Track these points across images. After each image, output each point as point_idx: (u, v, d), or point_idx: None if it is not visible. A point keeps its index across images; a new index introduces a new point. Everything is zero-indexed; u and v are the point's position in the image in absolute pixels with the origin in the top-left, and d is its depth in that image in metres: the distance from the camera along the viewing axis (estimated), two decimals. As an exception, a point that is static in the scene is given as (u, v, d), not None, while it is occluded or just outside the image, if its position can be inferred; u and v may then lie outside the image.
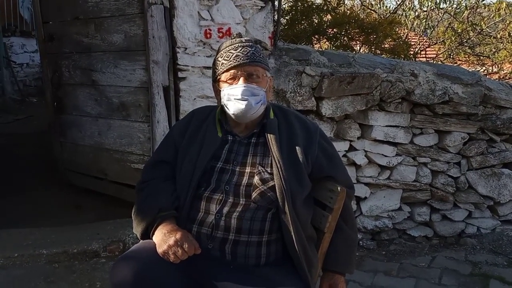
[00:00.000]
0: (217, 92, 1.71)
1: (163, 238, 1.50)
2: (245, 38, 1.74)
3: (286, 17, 5.25)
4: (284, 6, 5.37)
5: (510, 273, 2.90)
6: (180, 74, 2.83)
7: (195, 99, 2.87)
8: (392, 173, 3.32)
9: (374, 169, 3.30)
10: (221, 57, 1.67)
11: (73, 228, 2.92)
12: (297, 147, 1.64)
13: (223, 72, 1.65)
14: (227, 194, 1.58)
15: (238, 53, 1.64)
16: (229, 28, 2.82)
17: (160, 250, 1.48)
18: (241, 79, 1.63)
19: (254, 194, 1.57)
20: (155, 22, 2.73)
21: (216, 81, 1.71)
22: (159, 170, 1.73)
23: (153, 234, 1.56)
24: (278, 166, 1.57)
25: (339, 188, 1.66)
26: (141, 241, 1.62)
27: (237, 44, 1.67)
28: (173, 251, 1.46)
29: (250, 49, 1.66)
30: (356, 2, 7.00)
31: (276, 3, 3.04)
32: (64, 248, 2.66)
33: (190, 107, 2.83)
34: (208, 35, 2.80)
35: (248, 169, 1.61)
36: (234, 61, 1.63)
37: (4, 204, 3.35)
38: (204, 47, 2.83)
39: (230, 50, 1.66)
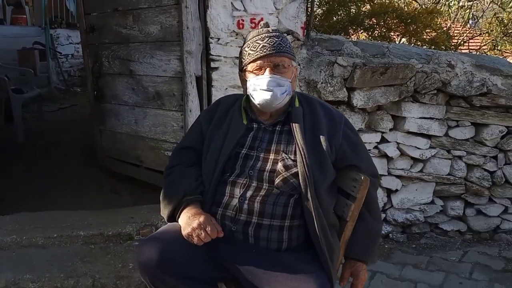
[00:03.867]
0: (243, 81, 1.75)
1: (187, 221, 1.56)
2: (272, 28, 1.75)
3: (323, 8, 5.21)
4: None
5: (546, 271, 2.82)
6: (212, 64, 2.88)
7: (226, 89, 2.92)
8: (425, 166, 3.27)
9: (406, 161, 3.25)
10: (248, 47, 1.70)
11: (109, 212, 3.04)
12: (321, 136, 1.66)
13: (249, 63, 1.68)
14: (251, 178, 1.62)
15: (265, 44, 1.66)
16: (261, 19, 2.84)
17: (184, 232, 1.55)
18: (267, 69, 1.65)
19: (277, 180, 1.60)
20: (190, 13, 2.79)
21: (242, 71, 1.75)
22: (185, 156, 1.80)
23: (178, 217, 1.62)
24: (302, 153, 1.60)
25: (362, 177, 1.67)
26: (167, 223, 1.69)
27: (264, 35, 1.69)
28: (196, 233, 1.52)
29: (276, 39, 1.68)
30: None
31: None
32: (100, 230, 2.76)
33: (222, 97, 2.90)
34: (241, 26, 2.84)
35: (272, 156, 1.65)
36: (261, 51, 1.65)
37: (45, 187, 3.53)
38: (236, 38, 2.87)
39: (257, 40, 1.69)
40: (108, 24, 3.47)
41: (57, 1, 9.05)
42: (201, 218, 1.54)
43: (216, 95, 2.92)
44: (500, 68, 3.17)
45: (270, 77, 1.64)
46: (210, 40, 2.85)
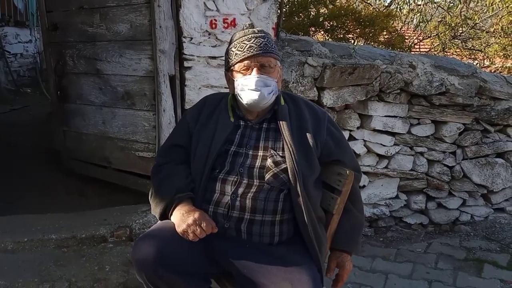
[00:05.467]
0: (230, 80, 1.77)
1: (181, 218, 1.57)
2: (257, 28, 1.79)
3: (284, 9, 5.30)
4: (282, -2, 5.42)
5: (503, 258, 3.02)
6: (185, 64, 2.88)
7: (200, 88, 2.93)
8: (389, 162, 3.42)
9: (372, 158, 3.39)
10: (235, 48, 1.72)
11: (80, 214, 2.96)
12: (307, 133, 1.71)
13: (236, 63, 1.71)
14: (242, 175, 1.65)
15: (252, 44, 1.69)
16: (234, 19, 2.88)
17: (179, 229, 1.55)
18: (255, 70, 1.68)
19: (267, 176, 1.64)
20: (162, 12, 2.78)
21: (229, 70, 1.77)
22: (173, 154, 1.80)
23: (171, 214, 1.63)
24: (290, 149, 1.65)
25: (347, 172, 1.74)
26: (159, 221, 1.69)
27: (250, 35, 1.72)
28: (192, 229, 1.54)
29: (263, 40, 1.71)
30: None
31: (279, -6, 3.10)
32: (73, 233, 2.69)
33: (195, 96, 2.90)
34: (214, 26, 2.86)
35: (260, 153, 1.69)
36: (248, 52, 1.68)
37: (10, 191, 3.39)
38: (209, 37, 2.89)
39: (243, 41, 1.71)
40: (73, 22, 3.37)
41: (4, -1, 8.65)
42: (196, 215, 1.56)
43: (189, 94, 2.93)
44: (457, 68, 3.37)
45: (257, 77, 1.67)
46: (183, 39, 2.86)
